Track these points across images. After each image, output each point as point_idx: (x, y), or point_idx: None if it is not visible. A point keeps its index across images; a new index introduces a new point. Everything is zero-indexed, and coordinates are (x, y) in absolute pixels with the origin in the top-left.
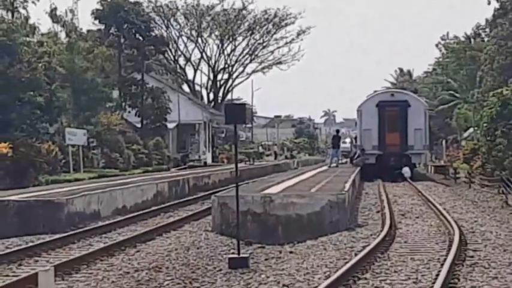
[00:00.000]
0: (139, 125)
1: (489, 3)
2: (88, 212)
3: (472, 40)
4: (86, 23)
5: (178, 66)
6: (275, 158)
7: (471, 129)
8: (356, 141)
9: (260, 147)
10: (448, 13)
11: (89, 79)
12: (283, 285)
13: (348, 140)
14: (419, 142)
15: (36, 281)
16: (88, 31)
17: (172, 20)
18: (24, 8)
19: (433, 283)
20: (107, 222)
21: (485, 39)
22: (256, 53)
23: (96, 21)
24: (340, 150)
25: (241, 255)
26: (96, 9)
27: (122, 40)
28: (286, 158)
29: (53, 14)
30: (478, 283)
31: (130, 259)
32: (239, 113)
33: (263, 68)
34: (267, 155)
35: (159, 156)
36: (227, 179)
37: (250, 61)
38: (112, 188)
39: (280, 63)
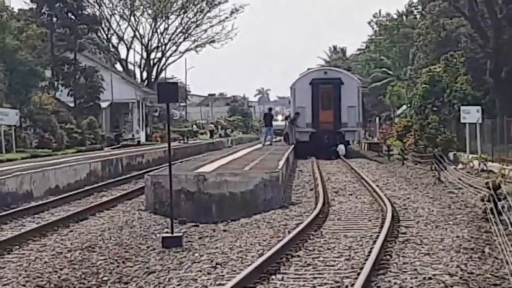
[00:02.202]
0: (72, 105)
1: None
2: (20, 192)
3: (405, 17)
4: (18, 1)
5: (111, 45)
6: (211, 137)
7: (404, 107)
8: (290, 119)
9: (194, 126)
10: None
11: (21, 58)
12: (217, 263)
13: (280, 117)
14: (352, 119)
15: None
16: (20, 10)
17: None
18: None
19: (366, 260)
20: (40, 202)
21: (418, 16)
22: (189, 31)
23: (28, 0)
24: (273, 128)
25: (174, 234)
26: None
27: (54, 19)
28: (220, 136)
29: None
30: (410, 259)
31: (63, 239)
32: (172, 91)
33: (196, 47)
34: (202, 134)
35: (93, 136)
36: (161, 157)
37: (184, 40)
38: (45, 168)
39: (213, 41)
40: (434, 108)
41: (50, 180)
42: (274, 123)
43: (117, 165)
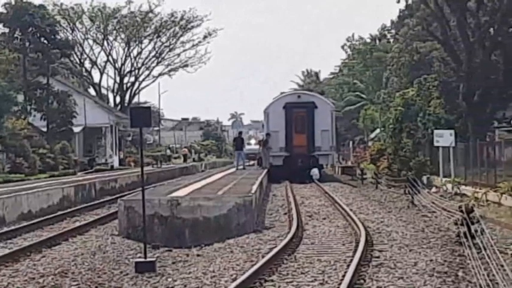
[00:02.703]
0: (45, 129)
1: (398, 1)
2: None
3: (378, 41)
4: None
5: (84, 69)
6: (184, 161)
7: (378, 130)
8: (263, 143)
9: (168, 150)
10: (354, 14)
11: None
12: None
13: (253, 141)
14: (326, 143)
15: None
16: None
17: (78, 22)
18: None
19: (339, 284)
20: (12, 227)
21: (391, 40)
22: (162, 55)
23: (0, 25)
24: (244, 152)
25: (148, 259)
26: (0, 12)
27: (27, 44)
28: (194, 160)
29: None
30: (384, 283)
31: (36, 264)
32: (144, 116)
33: (170, 71)
34: (175, 158)
35: (66, 161)
36: (134, 182)
37: (157, 64)
38: (17, 193)
39: (186, 65)
40: (411, 132)
41: (22, 205)
42: (247, 147)
43: (90, 190)
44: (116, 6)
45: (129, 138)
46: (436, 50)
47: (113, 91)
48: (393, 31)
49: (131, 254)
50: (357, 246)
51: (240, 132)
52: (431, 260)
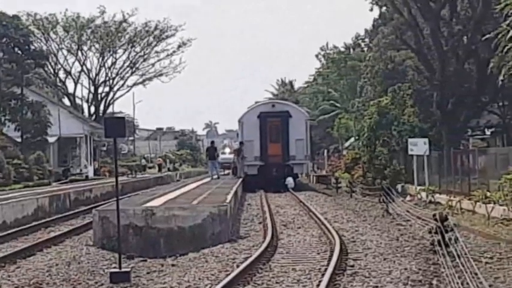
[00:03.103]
0: (19, 140)
1: (371, 10)
2: None
3: (352, 50)
4: None
5: (58, 79)
6: (159, 170)
7: (352, 139)
8: (239, 153)
9: (143, 160)
10: (328, 23)
11: None
12: None
13: (227, 150)
14: (301, 152)
15: None
16: None
17: (52, 33)
18: None
19: None
20: None
21: (365, 49)
22: (137, 65)
23: None
24: (218, 161)
25: (122, 270)
26: None
27: (1, 54)
28: (169, 170)
29: None
30: None
31: (10, 275)
32: (119, 126)
33: (144, 81)
34: (150, 168)
35: (40, 171)
36: (109, 192)
37: (131, 74)
38: None
39: (161, 75)
40: (385, 139)
41: None
42: (222, 156)
43: (64, 200)
44: (89, 17)
45: (104, 148)
46: (410, 58)
47: (87, 101)
48: (367, 40)
49: (106, 265)
50: (331, 255)
51: (213, 142)
52: (405, 269)
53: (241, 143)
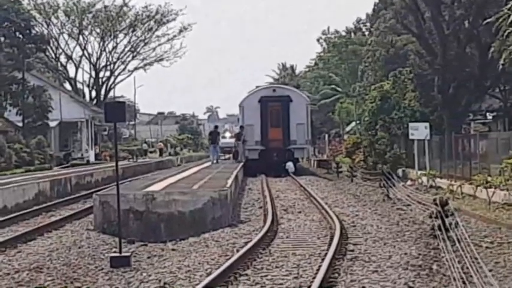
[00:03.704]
0: (20, 124)
1: None
2: None
3: (353, 34)
4: None
5: (59, 64)
6: (160, 155)
7: (353, 123)
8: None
9: (144, 145)
10: (330, 7)
11: None
12: (165, 283)
13: (227, 134)
14: (301, 137)
15: None
16: None
17: (53, 17)
18: None
19: (314, 278)
20: None
21: (366, 33)
22: (138, 50)
23: None
24: (219, 146)
25: (123, 254)
26: None
27: (2, 39)
28: (170, 154)
29: None
30: (358, 277)
31: (11, 260)
32: (119, 111)
33: (145, 65)
34: (151, 152)
35: (42, 155)
36: (110, 177)
37: (132, 58)
38: None
39: (162, 60)
40: (386, 124)
41: None
42: (222, 140)
43: (65, 185)
44: (90, 1)
45: (105, 133)
46: (411, 43)
47: (88, 86)
48: (368, 24)
49: (106, 249)
50: (331, 239)
51: (216, 126)
52: (405, 254)
53: (241, 127)
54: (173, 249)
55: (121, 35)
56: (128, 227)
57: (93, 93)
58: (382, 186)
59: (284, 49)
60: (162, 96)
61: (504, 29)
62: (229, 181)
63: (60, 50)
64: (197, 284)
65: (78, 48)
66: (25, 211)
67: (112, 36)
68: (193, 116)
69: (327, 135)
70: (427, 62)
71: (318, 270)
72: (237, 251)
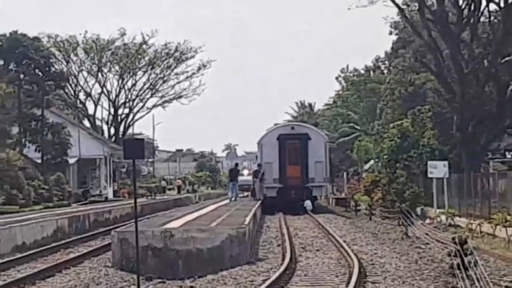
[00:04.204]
0: (39, 161)
1: (390, 33)
2: None
3: (372, 72)
4: None
5: (78, 101)
6: (178, 192)
7: (372, 161)
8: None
9: (162, 182)
10: (349, 45)
11: None
12: None
13: (245, 172)
14: (320, 175)
15: None
16: None
17: (72, 54)
18: None
19: None
20: (6, 259)
21: (385, 71)
22: (156, 87)
23: None
24: (241, 184)
25: None
26: None
27: (22, 76)
28: (188, 192)
29: None
30: None
31: None
32: (137, 148)
33: (164, 103)
34: (169, 189)
35: (60, 192)
36: (128, 214)
37: (151, 95)
38: (11, 225)
39: (181, 97)
40: (406, 163)
41: (16, 236)
42: (241, 178)
43: (84, 222)
44: (110, 38)
45: (124, 170)
46: (430, 81)
47: (107, 123)
48: (387, 62)
49: (124, 286)
50: (350, 278)
51: (236, 164)
52: None
53: (259, 165)
54: (191, 287)
55: (140, 73)
56: (146, 264)
57: (112, 130)
58: (401, 225)
59: (303, 87)
60: (181, 133)
61: None
62: (248, 218)
63: (79, 87)
64: None
65: (97, 85)
66: (43, 248)
67: (131, 74)
68: (212, 154)
69: (345, 173)
70: (446, 100)
71: None
72: None
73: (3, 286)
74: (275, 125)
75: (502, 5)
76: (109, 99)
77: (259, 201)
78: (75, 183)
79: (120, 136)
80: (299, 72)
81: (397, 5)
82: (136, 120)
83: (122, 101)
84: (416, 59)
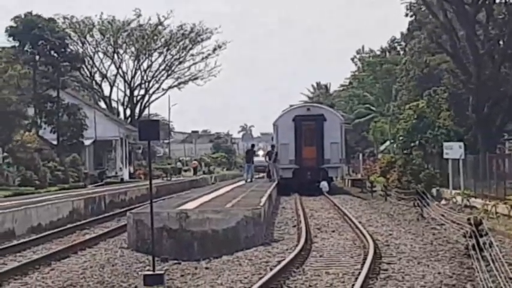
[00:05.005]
0: (55, 142)
1: (406, 15)
2: (2, 230)
3: (388, 53)
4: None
5: (94, 82)
6: (194, 173)
7: (387, 143)
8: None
9: (178, 163)
10: (364, 26)
11: (3, 98)
12: None
13: (261, 152)
14: (335, 156)
15: None
16: (2, 48)
17: (88, 36)
18: None
19: None
20: (22, 240)
21: (401, 52)
22: (172, 68)
23: (11, 38)
24: (256, 165)
25: (156, 272)
26: (10, 26)
27: (37, 57)
28: (204, 173)
29: None
30: None
31: (45, 277)
32: (153, 129)
33: (179, 84)
34: (185, 171)
35: (76, 173)
36: (144, 195)
37: (167, 77)
38: (27, 206)
39: (196, 78)
40: (420, 142)
41: (32, 218)
42: (256, 159)
43: (99, 203)
44: (125, 19)
45: (139, 151)
46: (446, 62)
47: (123, 104)
48: (403, 43)
49: (140, 267)
50: (365, 258)
51: (253, 145)
52: (439, 273)
53: (272, 146)
54: (206, 268)
55: (156, 54)
56: (161, 245)
57: (128, 112)
58: (416, 206)
59: (319, 68)
60: (197, 114)
61: None
62: (263, 200)
63: (95, 69)
64: None
65: (113, 66)
66: (59, 229)
67: (147, 55)
68: (228, 135)
69: (361, 155)
70: (462, 82)
71: None
72: (271, 269)
73: (19, 267)
74: (291, 106)
75: None
76: (125, 81)
77: (275, 182)
78: (91, 165)
79: (136, 117)
80: (315, 53)
81: None
82: (152, 101)
83: (138, 82)
84: (432, 40)
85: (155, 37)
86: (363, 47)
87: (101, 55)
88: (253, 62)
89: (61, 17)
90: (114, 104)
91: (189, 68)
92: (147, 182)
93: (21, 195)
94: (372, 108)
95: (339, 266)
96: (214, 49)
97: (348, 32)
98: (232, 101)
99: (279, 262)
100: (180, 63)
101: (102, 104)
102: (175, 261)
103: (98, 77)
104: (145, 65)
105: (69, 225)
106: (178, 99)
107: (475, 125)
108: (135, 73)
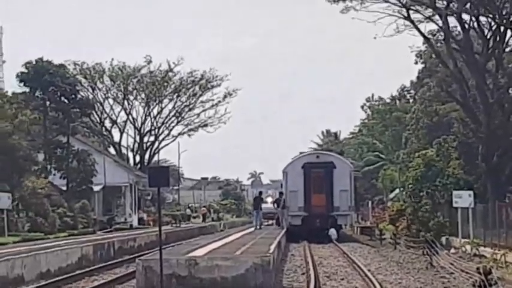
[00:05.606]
0: (64, 188)
1: (416, 62)
2: (11, 276)
3: (397, 101)
4: (11, 85)
5: (104, 128)
6: (203, 220)
7: (397, 190)
8: (278, 203)
9: (187, 210)
10: (374, 74)
11: (14, 143)
12: None
13: (269, 199)
14: (345, 203)
15: None
16: (13, 94)
17: (98, 82)
18: None
19: None
20: (31, 286)
21: (410, 100)
22: (182, 115)
23: (21, 84)
24: (265, 212)
25: None
26: (21, 72)
27: (47, 103)
28: (213, 220)
29: None
30: None
31: None
32: (162, 176)
33: (189, 131)
34: (194, 217)
35: (85, 219)
36: (153, 241)
37: (177, 123)
38: (36, 252)
39: (206, 125)
40: (429, 191)
41: (41, 264)
42: (264, 206)
43: (108, 249)
44: (136, 66)
45: (149, 197)
46: (455, 111)
47: (132, 150)
48: (412, 91)
49: None
50: None
51: (260, 192)
52: None
53: (280, 194)
54: None
55: (166, 100)
56: None
57: (137, 158)
58: (426, 254)
59: (328, 116)
60: (206, 161)
61: None
62: (272, 247)
63: (105, 115)
64: None
65: (123, 112)
66: (68, 275)
67: (157, 101)
68: (237, 182)
69: (370, 202)
70: (471, 130)
71: None
72: None
73: None
74: (300, 153)
75: None
76: (135, 127)
77: (284, 230)
78: (100, 211)
79: (146, 164)
80: (325, 101)
81: (422, 34)
82: (162, 148)
83: (148, 128)
84: (442, 89)
85: (165, 83)
86: (372, 95)
87: (111, 101)
88: (263, 108)
89: (72, 63)
90: (123, 150)
91: (198, 114)
92: (156, 229)
93: (30, 241)
94: (382, 155)
95: None
96: (225, 96)
97: (357, 80)
98: (242, 147)
99: None
100: (190, 109)
101: (112, 150)
102: None
103: (107, 123)
104: (155, 111)
105: (78, 271)
106: (188, 145)
107: (484, 173)
108: (145, 119)
